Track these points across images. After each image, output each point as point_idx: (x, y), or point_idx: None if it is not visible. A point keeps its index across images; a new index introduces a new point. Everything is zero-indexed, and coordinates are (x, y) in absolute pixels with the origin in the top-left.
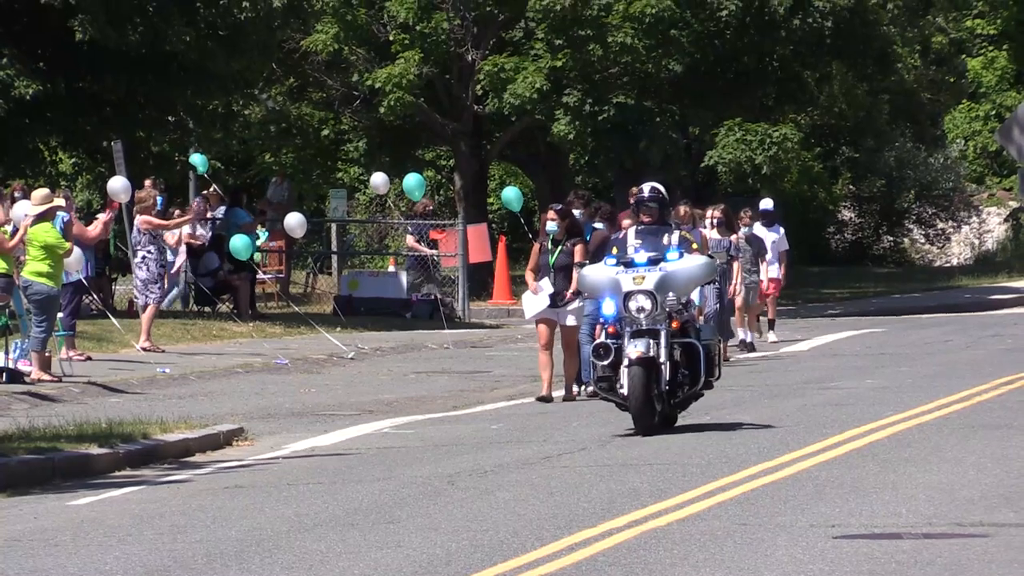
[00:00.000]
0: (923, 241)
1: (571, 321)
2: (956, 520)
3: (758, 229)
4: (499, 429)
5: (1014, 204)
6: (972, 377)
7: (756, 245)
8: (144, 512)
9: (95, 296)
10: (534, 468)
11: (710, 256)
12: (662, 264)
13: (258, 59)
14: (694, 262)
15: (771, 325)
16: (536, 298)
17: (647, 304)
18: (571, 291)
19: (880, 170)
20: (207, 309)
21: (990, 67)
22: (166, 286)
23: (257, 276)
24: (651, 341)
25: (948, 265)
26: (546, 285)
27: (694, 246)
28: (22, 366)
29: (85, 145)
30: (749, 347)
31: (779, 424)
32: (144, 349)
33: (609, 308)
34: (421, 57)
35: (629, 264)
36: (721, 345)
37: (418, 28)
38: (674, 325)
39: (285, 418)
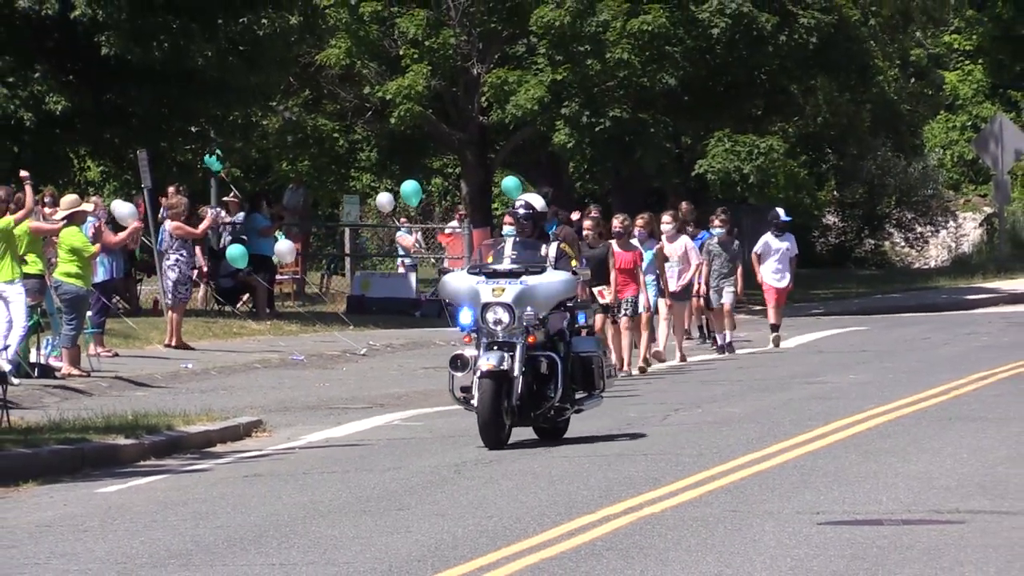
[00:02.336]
0: (903, 244)
1: None
2: (934, 507)
3: (769, 238)
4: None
5: (988, 210)
6: (949, 372)
7: (729, 249)
8: (168, 499)
9: (120, 297)
10: (536, 458)
11: (574, 273)
12: (523, 277)
13: (276, 73)
14: (555, 277)
15: (773, 329)
16: None
17: (504, 317)
18: None
19: (862, 177)
20: (227, 308)
21: (966, 80)
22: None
23: (275, 277)
24: (505, 354)
25: (926, 267)
26: None
27: (573, 263)
28: (53, 362)
29: (112, 154)
30: (728, 347)
31: (767, 416)
32: (174, 346)
33: (466, 318)
34: (429, 70)
35: (488, 274)
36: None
37: (426, 43)
38: (530, 340)
39: (301, 411)
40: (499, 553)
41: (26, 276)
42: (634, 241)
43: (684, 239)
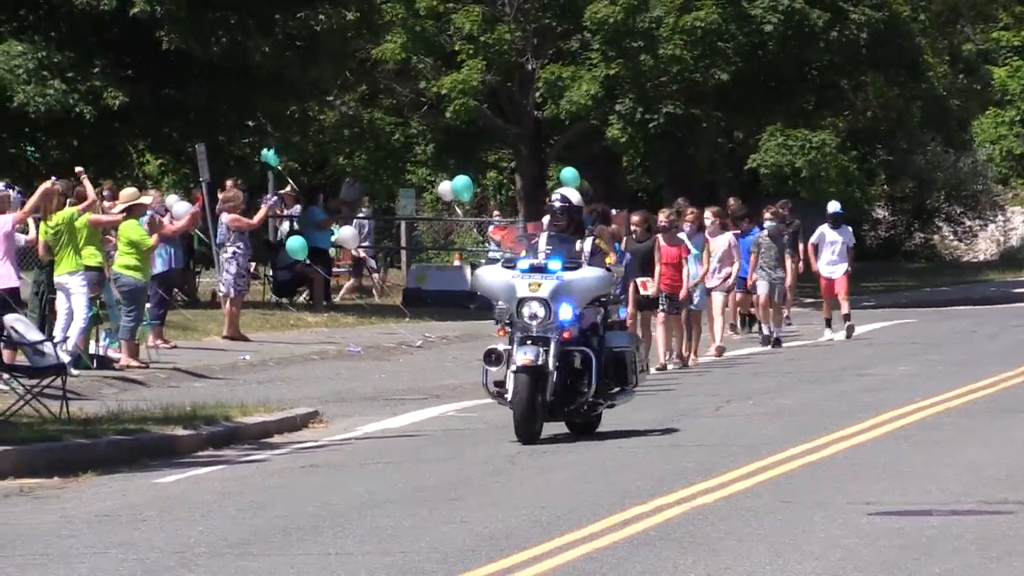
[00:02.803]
0: (952, 238)
1: None
2: (982, 498)
3: (826, 230)
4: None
5: None
6: (998, 365)
7: (779, 242)
8: (226, 489)
9: (179, 289)
10: (588, 449)
11: (608, 269)
12: (559, 272)
13: (332, 68)
14: (591, 273)
15: (834, 320)
16: None
17: (540, 311)
18: None
19: (912, 172)
20: (285, 300)
21: (1015, 76)
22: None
23: (332, 269)
24: (540, 349)
25: (975, 261)
26: None
27: (608, 259)
28: (112, 353)
29: (170, 148)
30: (774, 342)
31: (817, 408)
32: (232, 338)
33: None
34: (484, 66)
35: (525, 269)
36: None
37: (482, 39)
38: (565, 336)
39: (357, 402)
40: (552, 543)
41: (86, 269)
42: (681, 235)
43: (728, 236)
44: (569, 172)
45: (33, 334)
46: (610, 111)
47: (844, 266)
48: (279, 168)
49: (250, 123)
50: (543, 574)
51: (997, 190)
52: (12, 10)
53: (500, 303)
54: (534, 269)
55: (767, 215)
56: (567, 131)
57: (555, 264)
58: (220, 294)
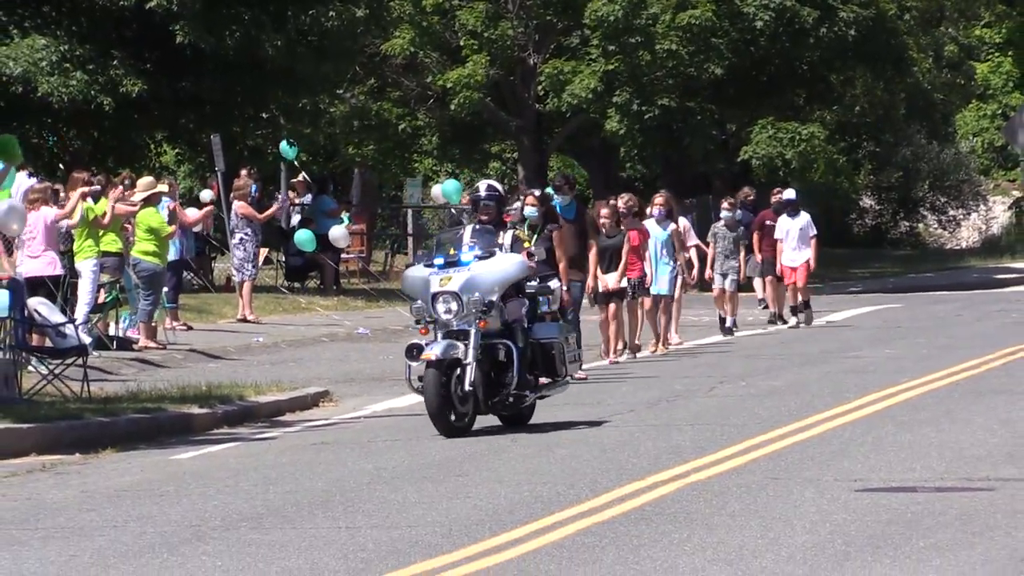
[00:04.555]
0: (936, 226)
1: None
2: (965, 476)
3: (783, 219)
4: (556, 393)
5: (1017, 194)
6: (980, 348)
7: (735, 232)
8: (240, 465)
9: (194, 274)
10: (588, 427)
11: (530, 255)
12: (471, 264)
13: (342, 62)
14: (504, 261)
15: (793, 311)
16: None
17: (453, 305)
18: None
19: (897, 163)
20: (297, 285)
21: (996, 71)
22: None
23: (342, 256)
24: (457, 343)
25: (958, 248)
26: None
27: (526, 245)
28: (131, 335)
29: (186, 138)
30: (728, 331)
31: (807, 389)
32: (246, 320)
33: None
34: (488, 60)
35: (440, 265)
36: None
37: (486, 35)
38: (481, 325)
39: (366, 382)
40: (553, 517)
41: (105, 254)
42: (648, 222)
43: (684, 220)
44: (450, 185)
45: (56, 316)
46: (608, 104)
47: (806, 253)
48: (295, 163)
49: (263, 115)
50: (544, 547)
51: (979, 180)
52: (35, 6)
53: (418, 301)
54: (447, 264)
55: (724, 205)
56: (567, 123)
57: (468, 256)
58: (234, 279)
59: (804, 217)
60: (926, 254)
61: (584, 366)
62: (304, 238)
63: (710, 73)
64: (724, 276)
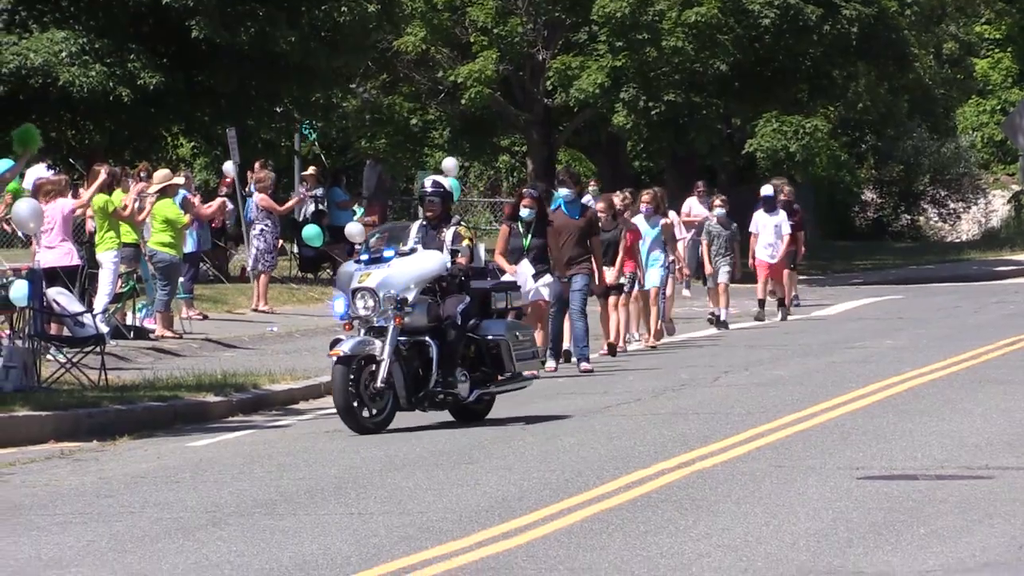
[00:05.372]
0: (936, 219)
1: (546, 295)
2: (965, 464)
3: (760, 215)
4: (565, 382)
5: (1016, 187)
6: (979, 339)
7: (728, 229)
8: (254, 453)
9: (211, 265)
10: (595, 416)
11: (453, 252)
12: (392, 261)
13: (355, 57)
14: (422, 259)
15: (761, 304)
16: (521, 282)
17: (370, 301)
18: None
19: (899, 157)
20: (310, 275)
21: (996, 67)
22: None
23: (355, 247)
24: (372, 340)
25: (958, 241)
26: (527, 267)
27: (465, 242)
28: (148, 324)
29: (202, 131)
30: (722, 324)
31: (810, 379)
32: (262, 311)
33: (339, 306)
34: (498, 56)
35: (367, 261)
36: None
37: (495, 31)
38: (396, 322)
39: None
40: (562, 504)
41: (123, 245)
42: (638, 218)
43: (672, 215)
44: (311, 229)
45: (74, 306)
46: (616, 99)
47: (780, 251)
48: (313, 148)
49: (277, 109)
50: (553, 533)
51: (979, 174)
52: (54, 1)
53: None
54: (372, 260)
55: (716, 203)
56: (575, 118)
57: (389, 252)
58: (248, 269)
59: (781, 215)
60: (927, 246)
61: (591, 357)
62: (311, 233)
63: (716, 69)
64: (719, 272)
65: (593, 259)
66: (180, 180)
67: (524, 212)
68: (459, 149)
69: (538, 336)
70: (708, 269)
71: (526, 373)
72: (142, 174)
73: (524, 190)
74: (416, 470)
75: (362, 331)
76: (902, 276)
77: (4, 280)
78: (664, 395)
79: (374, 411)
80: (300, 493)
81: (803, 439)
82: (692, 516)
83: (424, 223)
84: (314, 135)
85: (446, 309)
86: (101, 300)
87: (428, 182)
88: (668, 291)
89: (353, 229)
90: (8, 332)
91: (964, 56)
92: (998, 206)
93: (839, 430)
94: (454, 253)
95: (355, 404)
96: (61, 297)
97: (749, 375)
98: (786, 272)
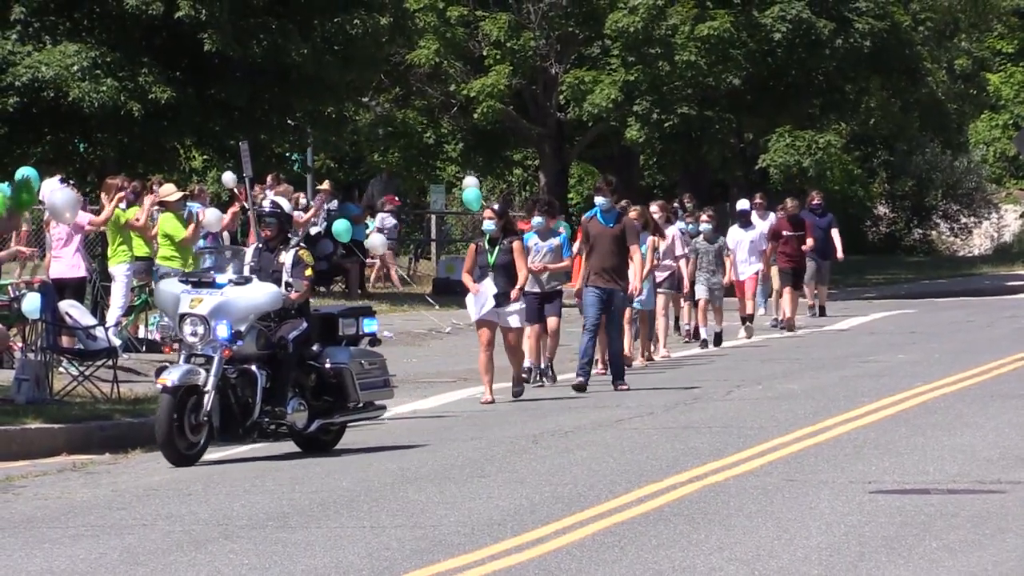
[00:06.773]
0: (948, 234)
1: (514, 322)
2: (977, 478)
3: (734, 230)
4: (577, 395)
5: None
6: (992, 353)
7: (716, 245)
8: (266, 466)
9: None
10: (608, 429)
11: (288, 285)
12: (226, 288)
13: (368, 71)
14: (258, 291)
15: (743, 321)
16: (479, 299)
17: (200, 329)
18: (516, 290)
19: (911, 171)
20: (322, 289)
21: (1008, 82)
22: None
23: (366, 260)
24: (197, 369)
25: (970, 255)
26: (489, 286)
27: (307, 272)
28: (160, 337)
29: (215, 144)
30: (704, 343)
31: (822, 393)
32: None
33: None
34: (511, 70)
35: (195, 283)
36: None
37: (508, 45)
38: (225, 354)
39: None
40: (574, 518)
41: (136, 259)
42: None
43: (674, 229)
44: (471, 193)
45: (86, 319)
46: (628, 113)
47: (757, 267)
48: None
49: (290, 122)
50: (565, 547)
51: (991, 189)
52: (67, 13)
53: (166, 319)
54: (201, 284)
55: (703, 218)
56: (588, 131)
57: (223, 278)
58: None
59: (756, 230)
60: (939, 261)
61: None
62: (341, 228)
63: (728, 83)
64: (710, 290)
65: (634, 269)
66: (177, 195)
67: (485, 225)
68: (472, 163)
69: (481, 359)
70: (686, 287)
71: (377, 402)
72: (154, 187)
73: (487, 204)
74: (428, 483)
75: (183, 356)
76: (914, 290)
77: (17, 293)
78: (676, 409)
79: (192, 443)
80: (312, 506)
81: (815, 453)
82: (704, 530)
83: (260, 246)
84: (298, 164)
85: (278, 334)
86: (113, 313)
87: (266, 203)
88: (660, 308)
89: (375, 241)
90: (21, 344)
91: (977, 71)
92: (1010, 221)
93: (851, 444)
94: (288, 286)
95: (176, 435)
96: (73, 310)
97: (762, 389)
98: (787, 289)
